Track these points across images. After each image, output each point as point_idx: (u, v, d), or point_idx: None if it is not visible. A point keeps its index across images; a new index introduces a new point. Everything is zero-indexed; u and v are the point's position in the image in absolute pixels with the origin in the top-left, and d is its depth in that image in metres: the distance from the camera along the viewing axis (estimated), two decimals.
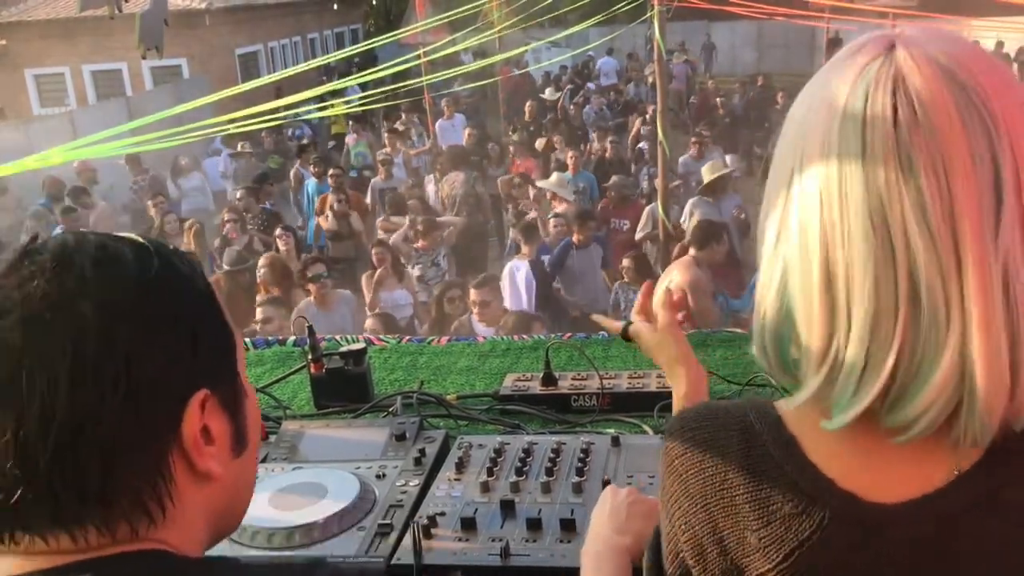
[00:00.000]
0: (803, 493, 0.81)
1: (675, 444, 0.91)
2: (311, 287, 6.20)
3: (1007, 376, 0.73)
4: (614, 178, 9.21)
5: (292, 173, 11.86)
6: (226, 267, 7.24)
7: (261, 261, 6.77)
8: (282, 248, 7.67)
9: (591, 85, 18.40)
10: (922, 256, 0.72)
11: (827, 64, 0.81)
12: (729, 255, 6.16)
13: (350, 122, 14.68)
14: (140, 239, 0.81)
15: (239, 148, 13.07)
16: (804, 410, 0.82)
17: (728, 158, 10.24)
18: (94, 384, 0.72)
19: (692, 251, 5.76)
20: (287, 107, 9.74)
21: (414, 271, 7.53)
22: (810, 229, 0.77)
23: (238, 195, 9.64)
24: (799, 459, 0.82)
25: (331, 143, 15.33)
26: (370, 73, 11.77)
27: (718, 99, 16.11)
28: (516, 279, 6.90)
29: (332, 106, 13.01)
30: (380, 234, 8.50)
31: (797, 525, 0.80)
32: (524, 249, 7.17)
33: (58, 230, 9.07)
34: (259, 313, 5.74)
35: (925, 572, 0.78)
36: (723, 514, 0.85)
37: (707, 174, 8.09)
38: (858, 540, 0.79)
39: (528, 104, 14.73)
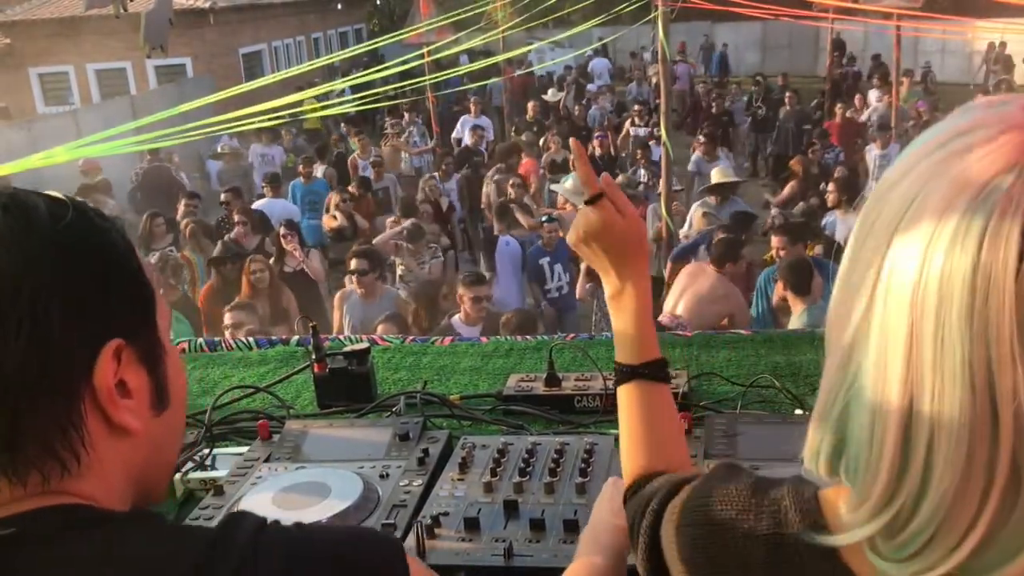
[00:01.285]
0: None
1: (683, 540, 0.82)
2: (354, 279, 6.37)
3: None
4: (620, 177, 9.07)
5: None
6: (214, 254, 7.23)
7: (253, 264, 6.76)
8: (286, 246, 7.67)
9: (592, 87, 18.43)
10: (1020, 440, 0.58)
11: (948, 130, 0.64)
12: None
13: (342, 123, 14.71)
14: (60, 195, 0.81)
15: (220, 149, 13.07)
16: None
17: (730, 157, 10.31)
18: None
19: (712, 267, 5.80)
20: (287, 106, 9.74)
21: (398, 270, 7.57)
22: (892, 363, 0.63)
23: (222, 197, 9.62)
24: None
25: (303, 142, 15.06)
26: (372, 72, 11.78)
27: (725, 101, 16.09)
28: (504, 253, 7.53)
29: (332, 106, 13.03)
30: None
31: None
32: (497, 227, 7.52)
33: None
34: (228, 318, 5.64)
35: None
36: None
37: (717, 176, 8.08)
38: None
39: (531, 104, 14.76)
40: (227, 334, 5.40)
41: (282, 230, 7.81)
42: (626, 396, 1.15)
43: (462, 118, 13.72)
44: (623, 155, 11.71)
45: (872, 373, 0.64)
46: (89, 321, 0.76)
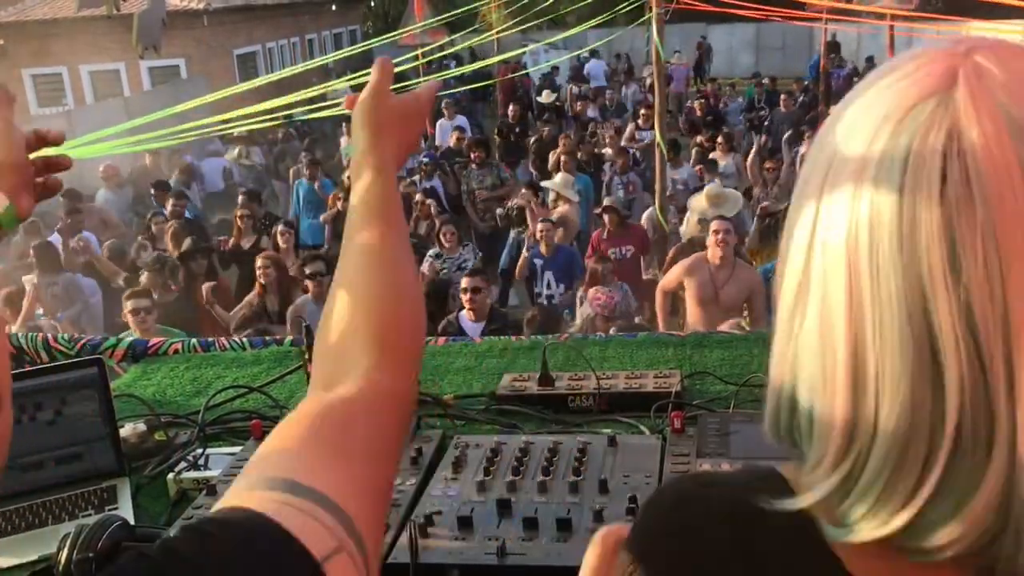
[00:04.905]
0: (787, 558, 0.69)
1: (647, 527, 0.75)
2: (309, 284, 6.25)
3: None
4: (605, 200, 8.56)
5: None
6: (182, 249, 7.23)
7: (259, 260, 6.76)
8: (283, 245, 7.69)
9: (583, 88, 18.44)
10: (968, 377, 0.58)
11: (879, 75, 0.66)
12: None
13: (344, 123, 14.69)
14: None
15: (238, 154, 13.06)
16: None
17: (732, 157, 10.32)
18: None
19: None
20: (283, 107, 9.75)
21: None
22: (835, 309, 0.63)
23: (240, 200, 9.65)
24: (804, 541, 0.70)
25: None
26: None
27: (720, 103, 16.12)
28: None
29: (328, 107, 13.02)
30: None
31: None
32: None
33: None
34: (129, 304, 5.55)
35: None
36: None
37: (709, 201, 7.89)
38: None
39: (512, 107, 14.65)
40: (130, 320, 5.46)
41: (280, 228, 7.85)
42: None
43: (439, 122, 13.65)
44: (636, 154, 11.67)
45: (816, 321, 0.64)
46: None
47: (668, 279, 6.19)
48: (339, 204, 8.99)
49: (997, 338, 0.58)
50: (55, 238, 8.31)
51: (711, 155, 10.43)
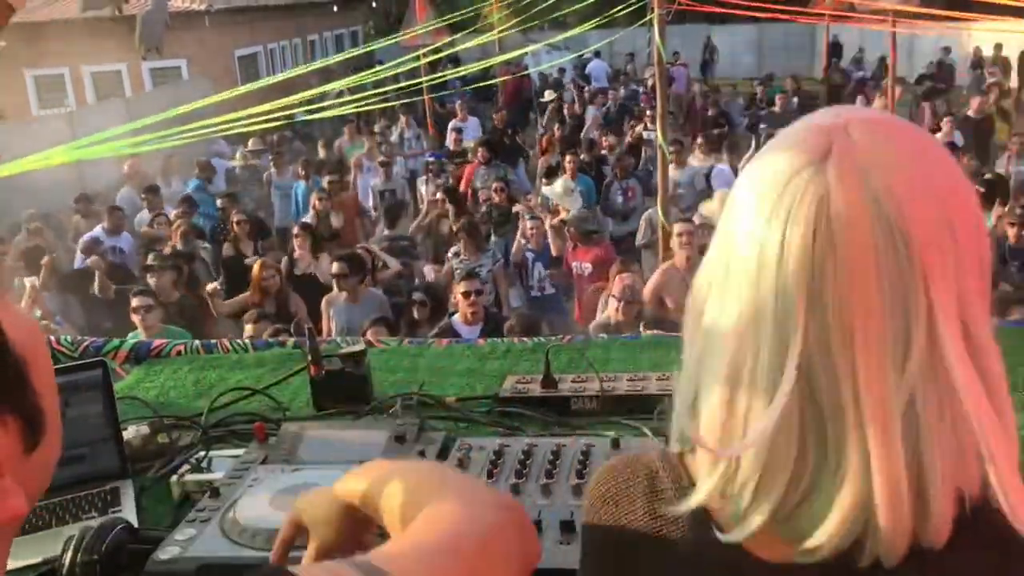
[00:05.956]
0: (693, 544, 0.82)
1: (588, 504, 0.92)
2: (336, 283, 6.45)
3: (908, 514, 0.72)
4: (572, 212, 8.24)
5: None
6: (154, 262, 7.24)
7: (262, 271, 6.80)
8: (298, 249, 7.70)
9: (587, 89, 18.41)
10: (824, 391, 0.73)
11: (775, 142, 0.81)
12: None
13: (344, 124, 14.69)
14: None
15: (239, 156, 13.07)
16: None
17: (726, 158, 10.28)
18: None
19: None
20: (283, 108, 9.74)
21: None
22: (722, 322, 0.78)
23: (219, 203, 9.65)
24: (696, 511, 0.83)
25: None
26: (368, 75, 11.78)
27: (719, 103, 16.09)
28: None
29: (327, 108, 13.02)
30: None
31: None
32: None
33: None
34: (133, 301, 5.74)
35: None
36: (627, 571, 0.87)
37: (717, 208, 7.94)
38: None
39: (499, 113, 14.60)
40: (134, 317, 5.66)
41: (295, 230, 7.88)
42: None
43: (451, 123, 13.67)
44: (645, 152, 11.63)
45: (709, 332, 0.79)
46: None
47: (647, 297, 6.06)
48: (318, 204, 8.99)
49: (846, 362, 0.72)
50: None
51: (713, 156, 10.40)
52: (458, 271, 7.12)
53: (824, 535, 0.73)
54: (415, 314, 6.35)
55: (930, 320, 0.71)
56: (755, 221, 0.76)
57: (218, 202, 9.81)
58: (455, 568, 0.73)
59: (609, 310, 5.77)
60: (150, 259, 7.38)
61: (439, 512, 0.79)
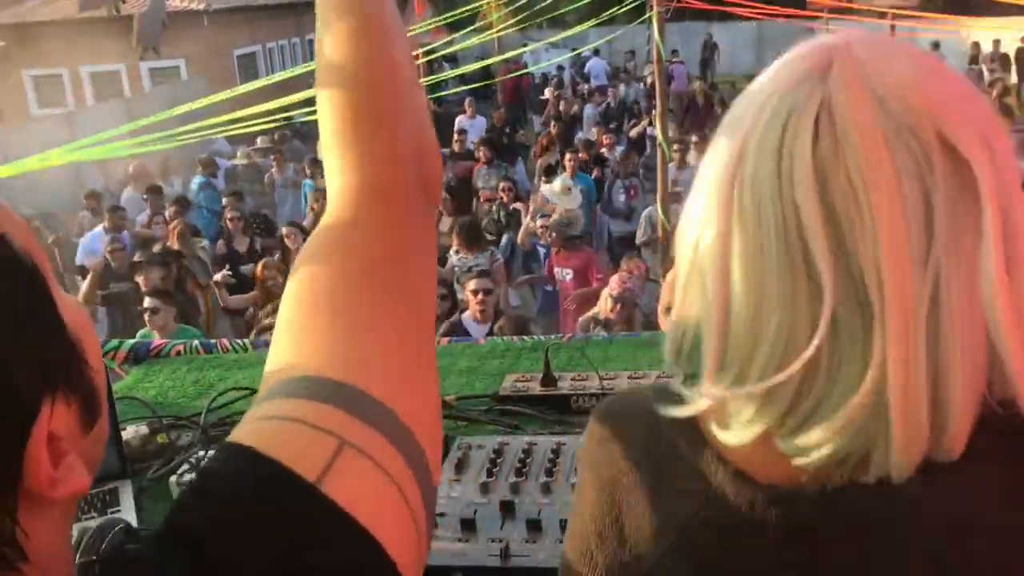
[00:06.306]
0: (695, 471, 0.79)
1: (589, 433, 0.90)
2: None
3: (924, 421, 0.68)
4: (554, 216, 8.02)
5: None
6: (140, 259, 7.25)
7: (264, 272, 6.80)
8: (291, 246, 7.72)
9: (586, 87, 18.40)
10: (840, 286, 0.68)
11: (778, 63, 0.78)
12: None
13: None
14: None
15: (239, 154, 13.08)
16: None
17: None
18: None
19: None
20: (283, 108, 9.74)
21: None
22: (725, 236, 0.74)
23: (224, 201, 9.66)
24: (696, 438, 0.80)
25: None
26: None
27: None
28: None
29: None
30: None
31: (687, 503, 0.78)
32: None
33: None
34: (148, 301, 5.75)
35: (820, 557, 0.74)
36: (625, 499, 0.83)
37: None
38: (745, 518, 0.75)
39: (496, 112, 14.60)
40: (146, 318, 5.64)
41: (285, 230, 7.88)
42: None
43: (458, 118, 13.70)
44: (646, 152, 11.62)
45: (712, 247, 0.74)
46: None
47: (660, 311, 5.98)
48: (316, 206, 9.03)
49: (866, 241, 0.66)
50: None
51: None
52: (457, 268, 7.12)
53: (825, 435, 0.69)
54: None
55: (953, 212, 0.67)
56: (753, 132, 0.72)
57: (224, 200, 9.80)
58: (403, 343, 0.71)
59: (603, 307, 5.73)
60: (137, 256, 7.39)
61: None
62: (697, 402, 0.77)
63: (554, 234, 7.54)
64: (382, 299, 0.71)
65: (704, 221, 0.75)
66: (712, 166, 0.76)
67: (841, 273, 0.67)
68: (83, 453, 0.60)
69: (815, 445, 0.70)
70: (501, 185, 9.33)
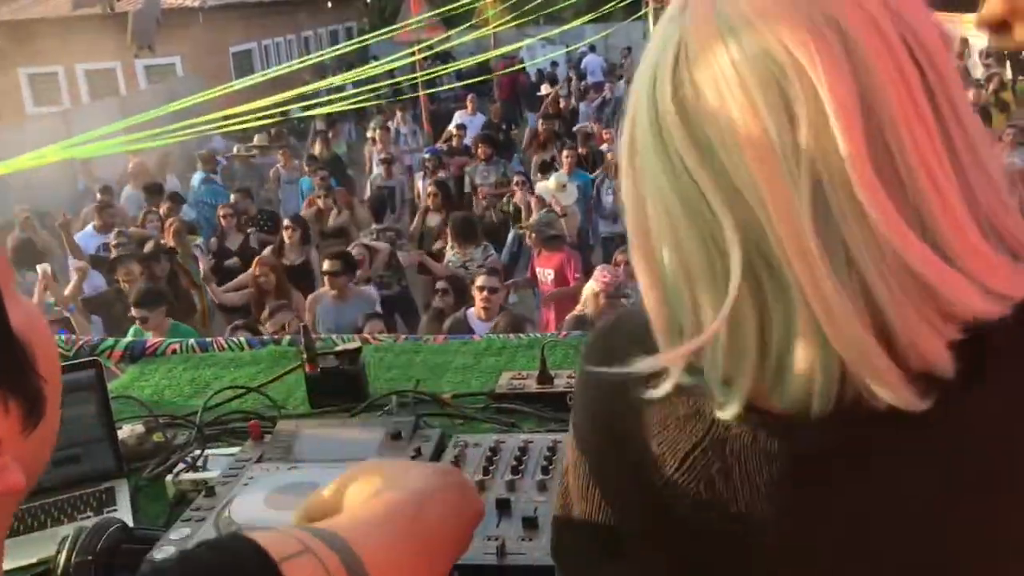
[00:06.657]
0: (698, 394, 0.76)
1: (584, 359, 0.91)
2: (327, 280, 6.37)
3: (882, 356, 0.65)
4: (535, 216, 7.91)
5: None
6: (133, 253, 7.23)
7: (257, 268, 6.79)
8: (287, 241, 7.71)
9: (583, 83, 18.39)
10: (740, 227, 0.66)
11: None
12: None
13: (348, 121, 14.70)
14: None
15: (236, 151, 13.06)
16: None
17: None
18: None
19: None
20: (278, 104, 9.75)
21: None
22: (647, 226, 0.73)
23: (232, 198, 9.65)
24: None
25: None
26: (365, 70, 11.77)
27: None
28: None
29: (321, 104, 13.00)
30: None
31: (691, 426, 0.77)
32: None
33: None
34: (134, 311, 5.72)
35: (835, 478, 0.72)
36: (623, 425, 0.81)
37: None
38: (752, 440, 0.74)
39: (493, 107, 14.59)
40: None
41: (286, 222, 7.89)
42: None
43: (457, 113, 13.67)
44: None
45: (640, 240, 0.74)
46: None
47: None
48: (319, 202, 9.02)
49: (741, 176, 0.65)
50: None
51: None
52: (450, 263, 7.12)
53: (797, 383, 0.68)
54: (438, 302, 6.32)
55: (822, 169, 0.63)
56: (635, 93, 0.72)
57: (232, 197, 9.79)
58: (393, 531, 0.80)
59: (588, 304, 5.69)
60: (114, 253, 7.34)
61: (371, 493, 0.88)
62: (672, 374, 0.75)
63: (533, 235, 7.45)
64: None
65: (624, 192, 0.76)
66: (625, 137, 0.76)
67: (738, 213, 0.66)
68: (22, 455, 0.62)
69: (796, 382, 0.68)
70: (515, 179, 9.31)
